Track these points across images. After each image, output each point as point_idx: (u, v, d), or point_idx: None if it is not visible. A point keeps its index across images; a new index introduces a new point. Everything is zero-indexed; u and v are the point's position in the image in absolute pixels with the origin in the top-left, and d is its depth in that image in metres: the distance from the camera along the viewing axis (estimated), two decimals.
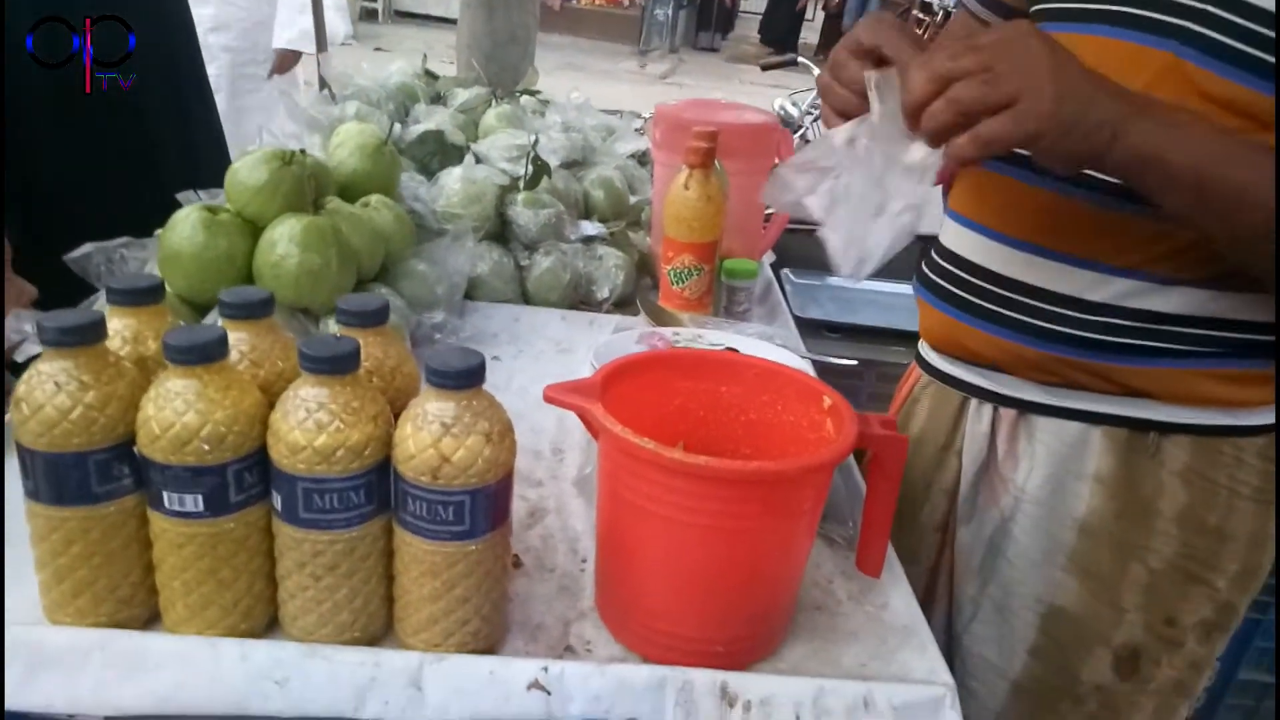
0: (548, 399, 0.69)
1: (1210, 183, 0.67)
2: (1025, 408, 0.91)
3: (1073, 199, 0.82)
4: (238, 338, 0.67)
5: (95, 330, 0.60)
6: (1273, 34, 0.70)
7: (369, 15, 10.75)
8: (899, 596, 0.77)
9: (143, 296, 0.67)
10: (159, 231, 1.07)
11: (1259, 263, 0.73)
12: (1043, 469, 0.90)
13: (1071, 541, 0.89)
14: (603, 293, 1.34)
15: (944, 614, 1.02)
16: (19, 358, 0.92)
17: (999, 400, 0.93)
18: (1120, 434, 0.86)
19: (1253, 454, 0.85)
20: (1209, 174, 0.67)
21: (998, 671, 0.95)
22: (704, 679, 0.65)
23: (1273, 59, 0.71)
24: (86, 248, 1.03)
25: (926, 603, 1.03)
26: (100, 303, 0.99)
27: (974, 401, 0.96)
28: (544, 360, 1.18)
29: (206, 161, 1.48)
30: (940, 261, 0.96)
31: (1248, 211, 0.68)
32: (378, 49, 9.44)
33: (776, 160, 1.46)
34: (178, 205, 1.08)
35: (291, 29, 2.33)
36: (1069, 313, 0.84)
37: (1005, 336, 0.88)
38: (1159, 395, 0.84)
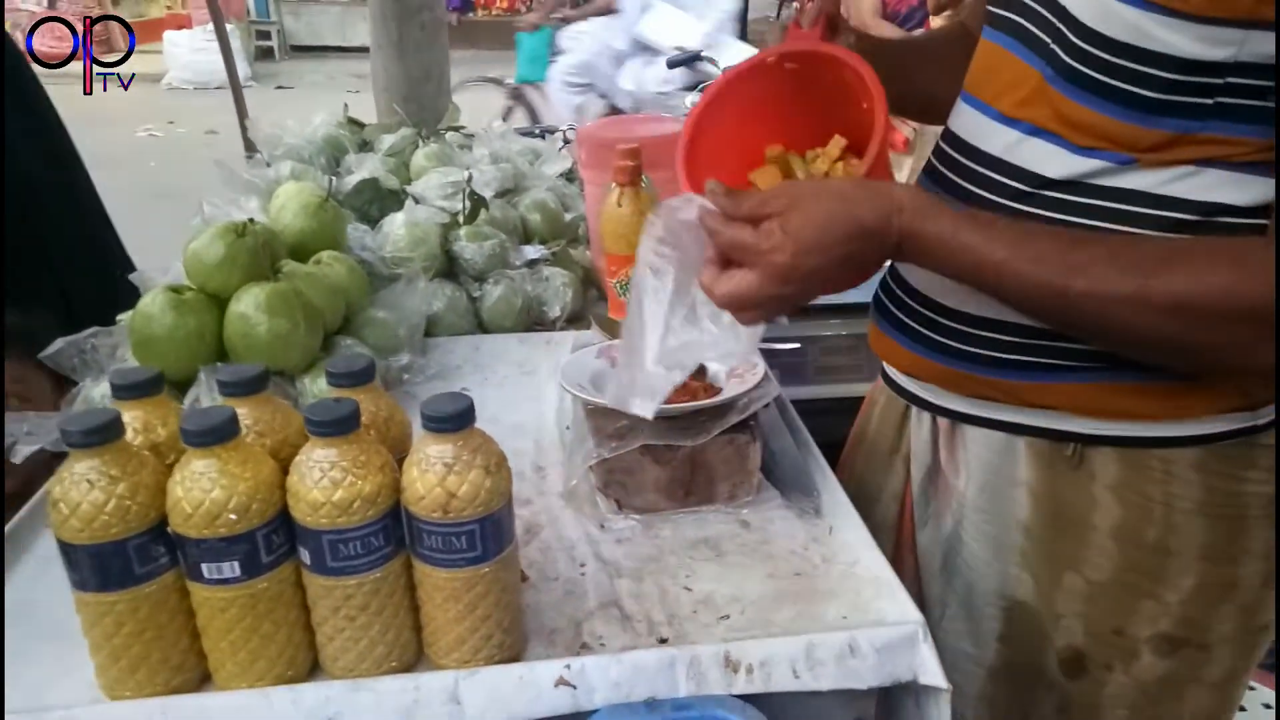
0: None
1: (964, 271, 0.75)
2: (955, 418, 0.92)
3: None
4: (241, 413, 0.72)
5: (116, 427, 0.65)
6: (1108, 56, 0.72)
7: (265, 54, 10.59)
8: (867, 552, 0.87)
9: (148, 388, 0.73)
10: (122, 318, 1.11)
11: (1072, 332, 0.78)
12: (978, 477, 0.90)
13: (1020, 541, 0.89)
14: (554, 311, 1.41)
15: None
16: (15, 459, 0.96)
17: (934, 409, 0.94)
18: (1042, 445, 0.85)
19: (1186, 467, 0.81)
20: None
21: (973, 660, 0.95)
22: (709, 652, 0.73)
23: (1113, 81, 0.72)
24: (58, 344, 1.07)
25: None
26: (84, 395, 1.03)
27: (914, 410, 0.98)
28: (509, 385, 1.24)
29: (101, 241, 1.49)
30: (889, 281, 0.98)
31: (990, 283, 0.74)
32: (279, 86, 9.32)
33: None
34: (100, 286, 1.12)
35: None
36: (967, 329, 0.85)
37: (919, 352, 0.91)
38: (1071, 410, 0.83)
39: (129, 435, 0.71)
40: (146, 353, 1.04)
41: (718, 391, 0.99)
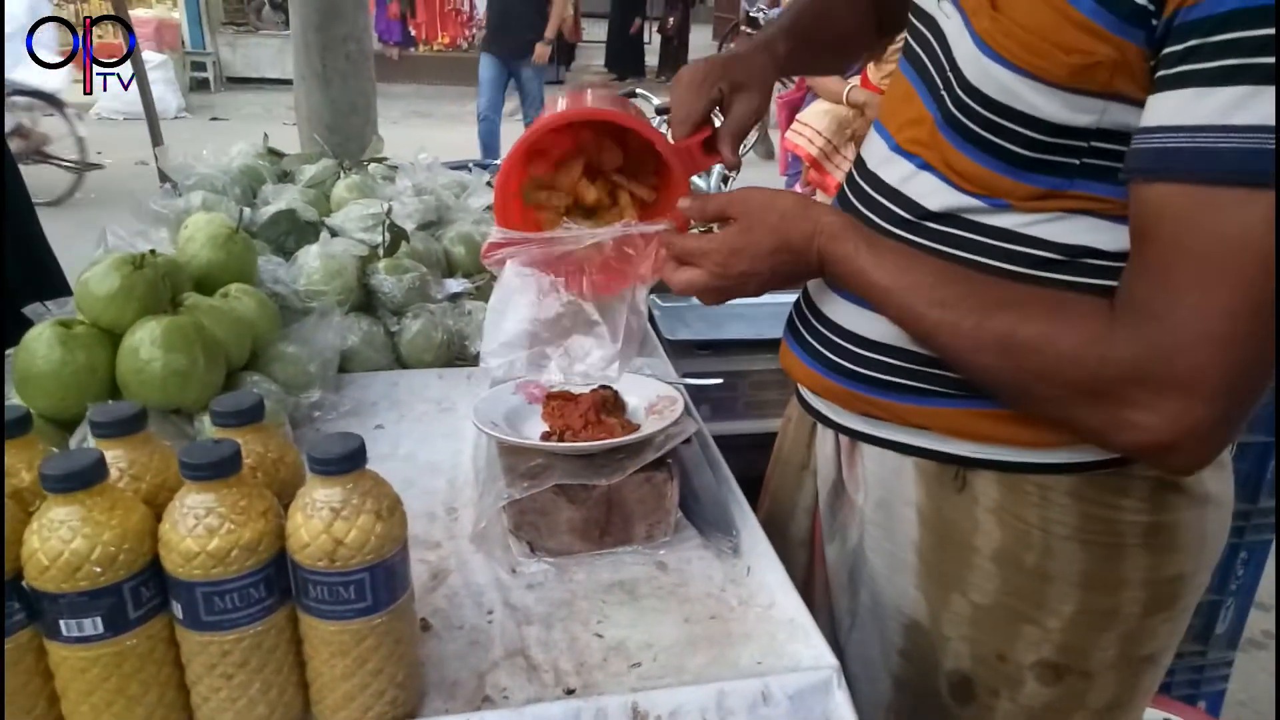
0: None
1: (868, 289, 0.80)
2: (853, 435, 0.93)
3: None
4: (114, 455, 0.68)
5: None
6: (985, 113, 0.74)
7: (200, 85, 10.40)
8: (783, 594, 0.84)
9: (10, 430, 0.67)
10: (10, 352, 1.05)
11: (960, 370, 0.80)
12: (874, 494, 0.92)
13: (914, 562, 0.90)
14: (476, 346, 1.37)
15: (826, 627, 1.00)
16: None
17: (835, 427, 0.95)
18: (930, 467, 0.87)
19: (1062, 494, 0.82)
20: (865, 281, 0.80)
21: (880, 667, 0.96)
22: (615, 703, 0.69)
23: (988, 135, 0.75)
24: None
25: None
26: None
27: (820, 426, 0.99)
28: (427, 421, 1.20)
29: (44, 275, 1.44)
30: (800, 301, 0.99)
31: (891, 309, 0.79)
32: (214, 118, 9.15)
33: None
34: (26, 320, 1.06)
35: None
36: (857, 350, 0.88)
37: (817, 370, 0.93)
38: (950, 433, 0.84)
39: None
40: (30, 390, 0.98)
41: (635, 429, 0.96)
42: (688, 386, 1.24)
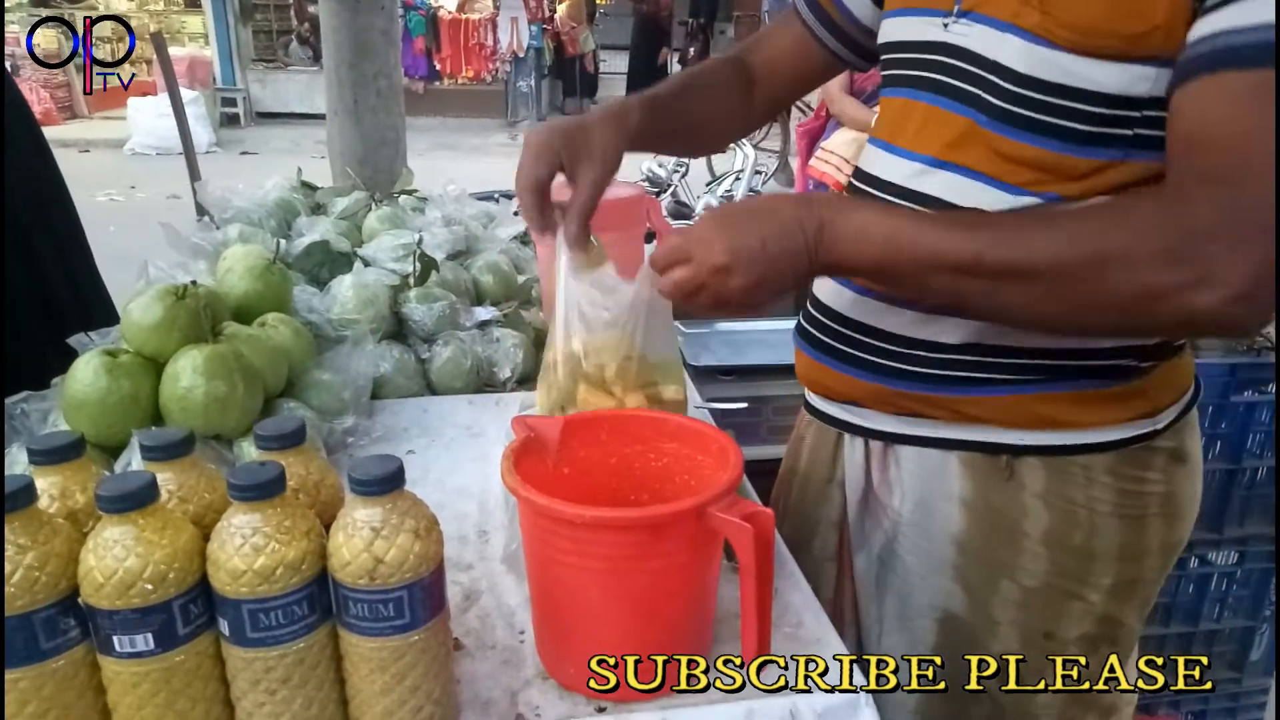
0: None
1: (900, 250, 0.76)
2: (888, 439, 0.96)
3: None
4: (164, 478, 0.70)
5: (27, 494, 0.63)
6: (1042, 96, 0.80)
7: (230, 120, 10.64)
8: (811, 615, 0.85)
9: (66, 454, 0.70)
10: (56, 381, 1.09)
11: (982, 315, 0.82)
12: (912, 494, 0.95)
13: (953, 556, 0.93)
14: (505, 373, 1.40)
15: (853, 640, 1.05)
16: None
17: (866, 434, 0.99)
18: (975, 458, 0.91)
19: (1102, 471, 0.88)
20: (900, 240, 0.76)
21: (905, 670, 0.97)
22: None
23: (1047, 118, 0.80)
24: None
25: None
26: (10, 461, 1.00)
27: (847, 436, 1.02)
28: (457, 447, 1.23)
29: (93, 302, 1.49)
30: (813, 311, 1.03)
31: (932, 271, 0.76)
32: (244, 152, 9.35)
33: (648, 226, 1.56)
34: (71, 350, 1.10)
35: None
36: (896, 348, 0.91)
37: (850, 374, 0.96)
38: (999, 422, 0.89)
39: (45, 502, 0.69)
40: (78, 417, 1.02)
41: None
42: (711, 411, 1.25)
